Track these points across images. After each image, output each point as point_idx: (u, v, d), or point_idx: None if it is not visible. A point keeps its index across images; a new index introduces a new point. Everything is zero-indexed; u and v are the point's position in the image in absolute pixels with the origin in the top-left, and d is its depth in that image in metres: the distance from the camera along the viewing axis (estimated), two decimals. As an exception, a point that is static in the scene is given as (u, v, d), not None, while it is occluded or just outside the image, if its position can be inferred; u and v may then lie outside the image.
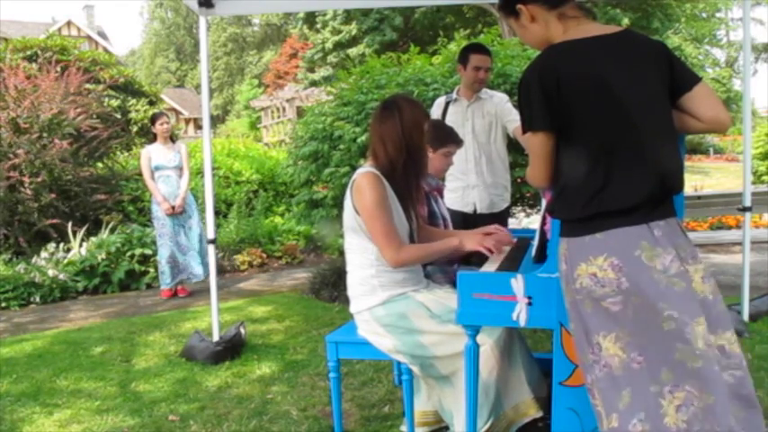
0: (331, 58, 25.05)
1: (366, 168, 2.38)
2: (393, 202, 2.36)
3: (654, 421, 1.54)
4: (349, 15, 24.02)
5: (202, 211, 6.12)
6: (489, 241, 2.38)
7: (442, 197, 3.00)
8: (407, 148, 2.34)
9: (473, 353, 2.11)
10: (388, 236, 2.29)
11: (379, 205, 2.29)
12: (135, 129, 11.30)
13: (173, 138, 5.94)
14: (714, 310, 1.61)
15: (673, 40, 22.06)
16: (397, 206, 2.37)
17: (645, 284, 1.57)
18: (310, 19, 25.38)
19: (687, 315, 1.55)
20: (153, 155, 5.66)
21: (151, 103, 11.99)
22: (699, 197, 6.68)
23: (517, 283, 1.96)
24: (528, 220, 6.72)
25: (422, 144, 2.41)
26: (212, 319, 3.78)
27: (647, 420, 1.54)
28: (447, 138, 2.88)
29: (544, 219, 2.08)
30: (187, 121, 33.93)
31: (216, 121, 39.99)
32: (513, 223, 5.62)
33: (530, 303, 1.96)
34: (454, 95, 3.87)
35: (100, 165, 8.20)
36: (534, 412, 2.29)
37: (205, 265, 5.79)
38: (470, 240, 2.41)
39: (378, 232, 2.29)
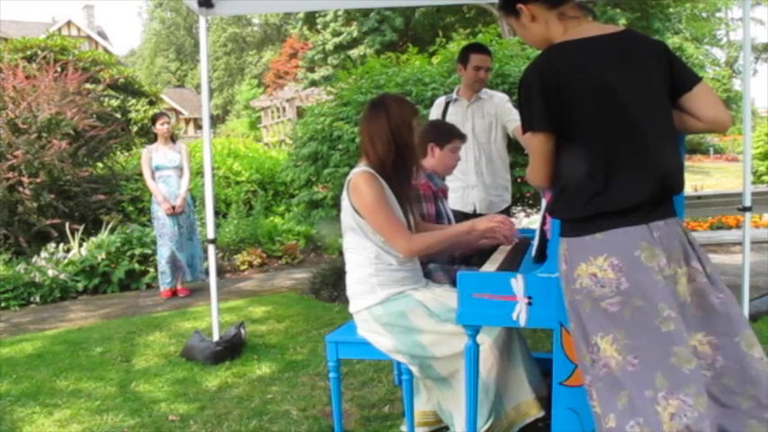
0: (331, 60, 25.05)
1: (360, 168, 2.39)
2: (390, 198, 2.37)
3: (653, 426, 1.53)
4: (349, 16, 24.01)
5: (198, 212, 6.12)
6: (498, 218, 2.43)
7: (446, 198, 3.02)
8: (396, 145, 2.36)
9: (473, 353, 2.11)
10: (396, 227, 2.30)
11: (380, 200, 2.30)
12: (135, 129, 11.30)
13: (173, 138, 5.94)
14: (689, 311, 1.63)
15: (673, 41, 22.06)
16: (394, 202, 2.38)
17: (645, 285, 1.57)
18: (310, 20, 25.37)
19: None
20: (153, 155, 5.66)
21: (151, 103, 11.98)
22: (699, 197, 6.67)
23: (517, 283, 1.96)
24: (528, 220, 6.72)
25: (411, 142, 2.40)
26: (212, 319, 3.78)
27: (645, 425, 1.54)
28: (450, 133, 2.93)
29: (544, 219, 2.08)
30: (187, 121, 33.90)
31: (216, 121, 39.99)
32: (512, 223, 5.61)
33: (530, 303, 1.96)
34: (454, 95, 3.87)
35: (99, 165, 8.20)
36: (536, 412, 2.28)
37: (194, 266, 5.79)
38: (481, 221, 2.43)
39: (384, 226, 2.30)
